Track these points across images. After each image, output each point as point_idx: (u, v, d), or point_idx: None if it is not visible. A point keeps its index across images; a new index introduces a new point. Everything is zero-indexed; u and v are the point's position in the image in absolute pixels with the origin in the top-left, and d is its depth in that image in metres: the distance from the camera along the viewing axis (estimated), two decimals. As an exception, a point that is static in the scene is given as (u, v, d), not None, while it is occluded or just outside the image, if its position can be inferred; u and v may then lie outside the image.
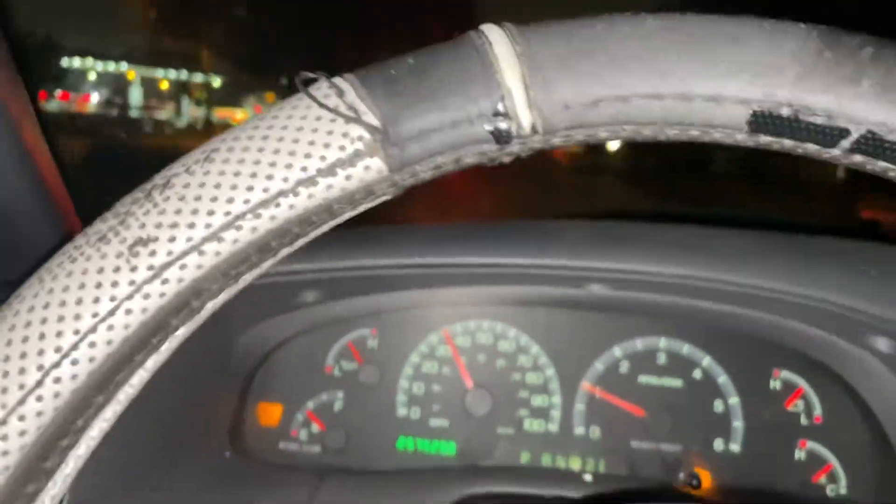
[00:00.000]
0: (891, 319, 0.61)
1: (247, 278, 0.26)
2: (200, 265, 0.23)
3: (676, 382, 0.79)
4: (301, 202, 0.24)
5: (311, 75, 0.25)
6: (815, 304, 0.64)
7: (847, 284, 0.63)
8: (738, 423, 0.78)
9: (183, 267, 0.23)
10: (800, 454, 0.77)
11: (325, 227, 0.26)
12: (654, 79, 0.25)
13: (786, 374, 0.78)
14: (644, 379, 0.79)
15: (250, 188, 0.23)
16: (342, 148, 0.24)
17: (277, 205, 0.23)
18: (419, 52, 0.26)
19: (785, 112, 0.24)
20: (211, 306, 0.25)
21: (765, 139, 0.26)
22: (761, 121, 0.25)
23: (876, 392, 0.72)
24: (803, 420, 0.77)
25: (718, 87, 0.24)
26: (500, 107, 0.25)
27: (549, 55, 0.25)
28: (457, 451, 0.79)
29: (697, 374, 0.79)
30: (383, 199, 0.27)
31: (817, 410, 0.77)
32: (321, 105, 0.24)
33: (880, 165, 0.25)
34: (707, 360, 0.79)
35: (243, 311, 0.68)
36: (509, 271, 0.71)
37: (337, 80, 0.25)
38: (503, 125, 0.25)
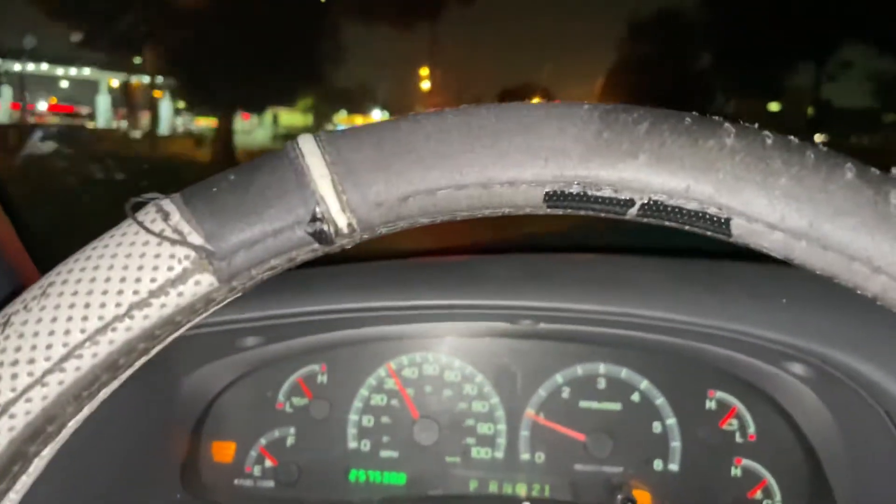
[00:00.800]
0: (801, 346, 0.64)
1: (107, 391, 0.27)
2: (46, 396, 0.25)
3: (616, 406, 0.82)
4: (137, 323, 0.26)
5: (140, 199, 0.28)
6: (732, 335, 0.67)
7: (760, 315, 0.66)
8: (675, 444, 0.81)
9: (28, 400, 0.24)
10: (736, 471, 0.80)
11: (176, 335, 0.28)
12: (455, 173, 0.27)
13: (720, 394, 0.81)
14: (585, 404, 0.82)
15: (85, 318, 0.25)
16: (170, 269, 0.26)
17: (114, 329, 0.25)
18: (241, 167, 0.28)
19: (575, 190, 0.27)
20: (73, 424, 0.27)
21: (566, 211, 0.28)
22: (556, 199, 0.27)
23: (802, 410, 0.76)
24: (738, 438, 0.81)
25: (513, 174, 0.27)
26: (317, 212, 0.27)
27: (358, 160, 0.27)
28: (407, 480, 0.82)
29: (636, 397, 0.82)
30: (228, 300, 0.29)
31: (751, 429, 0.80)
32: (147, 230, 0.26)
33: (672, 224, 0.28)
34: (645, 384, 0.82)
35: (183, 357, 0.70)
36: (445, 311, 0.73)
37: (164, 202, 0.27)
38: (322, 228, 0.27)
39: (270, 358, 0.80)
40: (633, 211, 0.27)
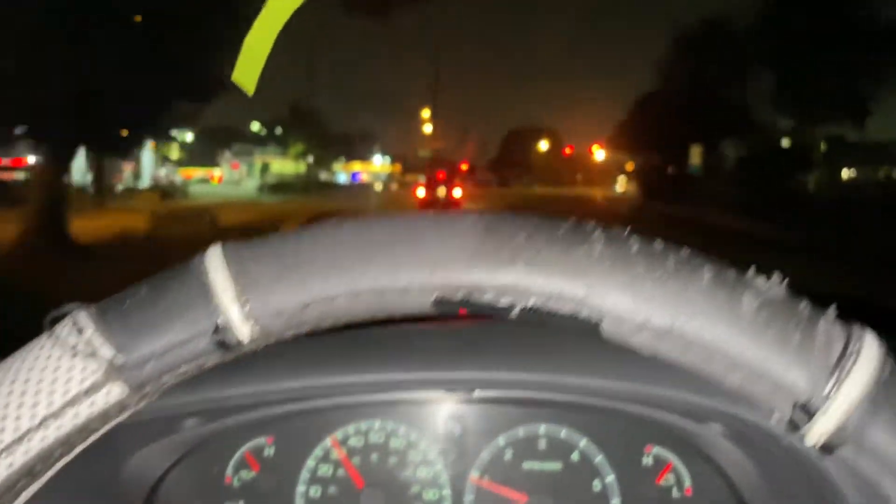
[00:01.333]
0: (716, 409, 0.67)
1: (26, 494, 0.30)
2: None
3: (557, 466, 0.84)
4: (51, 433, 0.28)
5: (58, 313, 0.31)
6: (656, 398, 0.70)
7: (679, 378, 0.69)
8: (615, 501, 0.83)
9: None
10: (675, 526, 0.82)
11: (92, 439, 0.31)
12: (352, 281, 0.30)
13: (657, 449, 0.83)
14: (527, 465, 0.84)
15: (2, 430, 0.28)
16: (83, 380, 0.29)
17: (30, 440, 0.28)
18: (153, 280, 0.31)
19: (460, 295, 0.29)
20: None
21: (456, 310, 0.31)
22: (443, 304, 0.30)
23: (730, 463, 0.78)
24: (675, 493, 0.83)
25: (404, 282, 0.29)
26: (220, 323, 0.29)
27: (260, 272, 0.30)
28: (354, 550, 0.83)
29: (575, 456, 0.84)
30: (141, 405, 0.32)
31: (687, 482, 0.83)
32: (62, 345, 0.29)
33: (555, 324, 0.30)
34: (584, 442, 0.84)
35: (125, 441, 0.72)
36: (383, 384, 0.76)
37: (80, 316, 0.30)
38: (226, 338, 0.29)
39: (217, 433, 0.82)
40: (514, 313, 0.30)
